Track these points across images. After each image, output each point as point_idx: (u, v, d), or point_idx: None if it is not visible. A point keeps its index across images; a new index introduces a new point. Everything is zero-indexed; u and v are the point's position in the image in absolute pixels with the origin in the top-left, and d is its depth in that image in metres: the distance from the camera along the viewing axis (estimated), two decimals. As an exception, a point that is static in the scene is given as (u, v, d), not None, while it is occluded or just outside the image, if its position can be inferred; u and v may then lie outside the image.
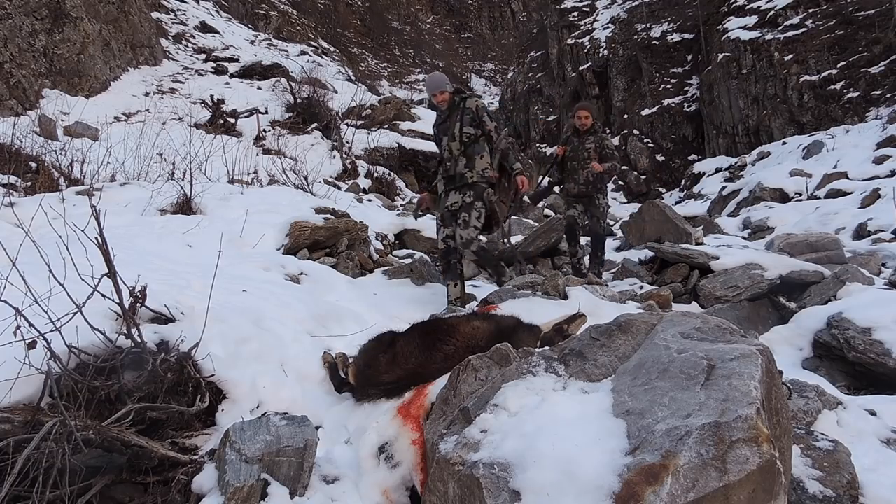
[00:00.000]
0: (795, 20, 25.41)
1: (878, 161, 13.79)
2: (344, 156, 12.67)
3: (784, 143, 19.97)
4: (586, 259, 6.89)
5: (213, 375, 2.88)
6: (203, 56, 20.09)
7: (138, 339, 2.66)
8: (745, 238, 10.84)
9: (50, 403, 2.33)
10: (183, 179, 6.37)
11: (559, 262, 7.70)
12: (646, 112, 30.83)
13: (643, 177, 29.54)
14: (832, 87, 22.57)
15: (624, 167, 29.75)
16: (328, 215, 6.52)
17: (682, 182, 24.74)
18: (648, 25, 33.25)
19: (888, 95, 20.77)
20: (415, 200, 10.53)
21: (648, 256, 6.87)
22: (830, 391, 3.07)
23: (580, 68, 34.69)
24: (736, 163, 21.48)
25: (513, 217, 5.89)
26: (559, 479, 1.75)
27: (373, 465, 2.42)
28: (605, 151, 6.65)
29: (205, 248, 4.56)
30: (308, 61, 22.36)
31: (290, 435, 2.34)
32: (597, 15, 37.40)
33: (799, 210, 11.77)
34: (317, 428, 2.46)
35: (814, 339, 4.26)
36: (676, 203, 20.67)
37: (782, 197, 14.25)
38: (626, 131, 31.39)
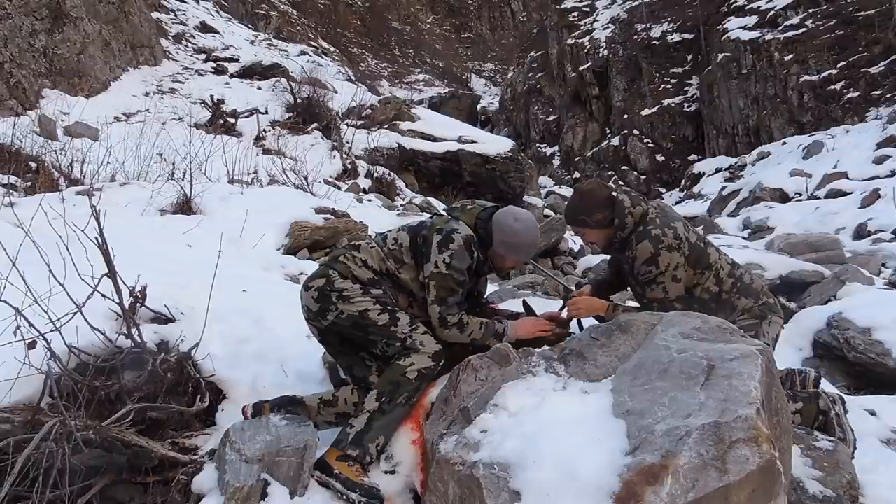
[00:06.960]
0: (795, 20, 25.40)
1: (878, 161, 13.82)
2: (344, 156, 12.64)
3: (784, 143, 19.98)
4: None
5: (212, 375, 2.88)
6: (203, 56, 20.03)
7: (138, 339, 2.67)
8: (745, 238, 10.84)
9: (50, 403, 2.33)
10: (183, 179, 6.35)
11: (559, 262, 7.69)
12: (646, 112, 30.82)
13: (643, 177, 29.53)
14: (832, 87, 22.57)
15: (623, 167, 29.77)
16: (328, 215, 6.51)
17: (682, 182, 24.76)
18: (648, 25, 33.25)
19: (888, 95, 20.77)
20: (415, 200, 10.50)
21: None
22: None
23: (580, 68, 34.67)
24: (736, 163, 21.49)
25: None
26: (559, 479, 1.75)
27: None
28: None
29: (205, 248, 4.54)
30: (308, 61, 22.31)
31: (290, 435, 2.34)
32: (597, 15, 37.38)
33: (799, 210, 11.78)
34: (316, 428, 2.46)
35: (814, 339, 4.27)
36: (676, 203, 20.66)
37: (782, 197, 14.27)
38: (625, 131, 31.38)
